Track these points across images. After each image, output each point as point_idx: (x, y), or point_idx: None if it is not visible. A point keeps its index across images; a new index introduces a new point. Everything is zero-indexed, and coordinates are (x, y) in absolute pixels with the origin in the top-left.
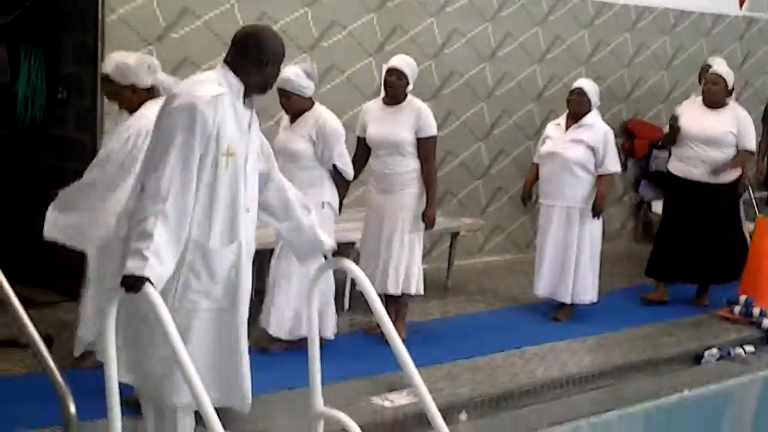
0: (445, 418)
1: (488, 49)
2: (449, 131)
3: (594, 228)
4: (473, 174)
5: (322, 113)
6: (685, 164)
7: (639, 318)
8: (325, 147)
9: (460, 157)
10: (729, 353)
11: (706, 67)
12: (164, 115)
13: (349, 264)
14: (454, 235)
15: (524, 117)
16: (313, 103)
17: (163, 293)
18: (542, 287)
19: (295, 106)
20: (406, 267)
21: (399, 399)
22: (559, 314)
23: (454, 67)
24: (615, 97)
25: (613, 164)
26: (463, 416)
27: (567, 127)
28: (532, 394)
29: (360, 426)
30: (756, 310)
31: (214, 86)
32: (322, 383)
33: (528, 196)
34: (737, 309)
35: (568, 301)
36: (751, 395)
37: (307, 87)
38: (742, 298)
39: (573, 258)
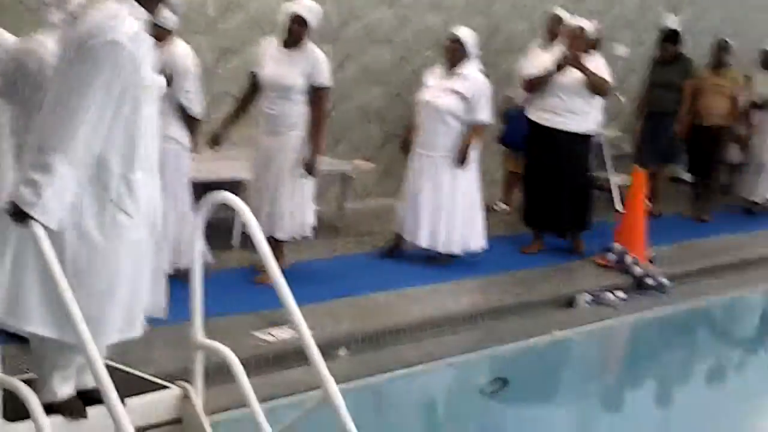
0: (325, 354)
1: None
2: (346, 74)
3: (468, 177)
4: (368, 117)
5: (175, 48)
6: (547, 113)
7: (518, 263)
8: (173, 82)
9: (356, 100)
10: (600, 298)
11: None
12: (87, 50)
13: (233, 199)
14: (346, 177)
15: (423, 64)
16: (171, 37)
17: (87, 234)
18: (423, 238)
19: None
20: (292, 213)
21: (280, 334)
22: (438, 259)
23: (353, 8)
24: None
25: (483, 114)
26: (343, 352)
27: (443, 76)
28: (410, 333)
29: (241, 360)
30: (629, 258)
31: (131, 21)
32: (206, 317)
33: (405, 144)
34: (611, 256)
35: (443, 250)
36: (619, 339)
37: (167, 19)
38: (616, 246)
39: (448, 208)
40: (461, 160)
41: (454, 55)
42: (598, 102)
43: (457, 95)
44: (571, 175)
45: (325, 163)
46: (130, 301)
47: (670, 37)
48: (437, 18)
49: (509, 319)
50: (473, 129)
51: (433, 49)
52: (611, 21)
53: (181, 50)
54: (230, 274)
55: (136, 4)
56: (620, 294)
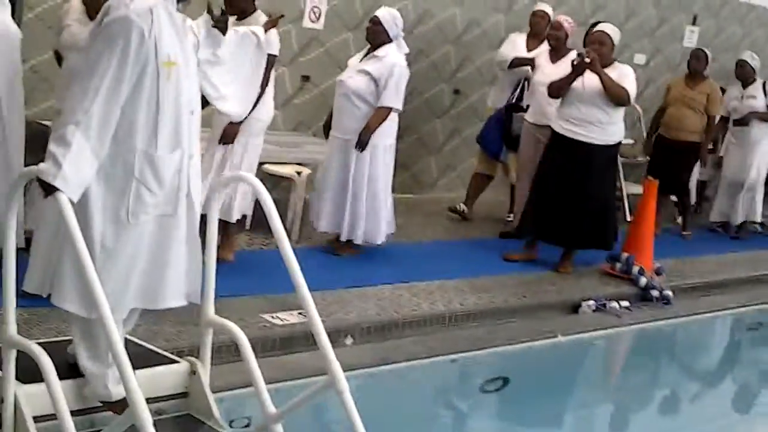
0: (331, 340)
1: None
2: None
3: (375, 163)
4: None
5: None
6: (570, 123)
7: (525, 266)
8: None
9: (321, 87)
10: (605, 306)
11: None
12: (101, 28)
13: (251, 178)
14: None
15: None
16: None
17: (115, 208)
18: (323, 222)
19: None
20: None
21: (288, 318)
22: (339, 248)
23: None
24: None
25: (391, 99)
26: (349, 340)
27: (362, 58)
28: (416, 326)
29: (249, 340)
30: (635, 269)
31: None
32: (218, 297)
33: (327, 126)
34: (618, 265)
35: (344, 237)
36: (621, 347)
37: None
38: (624, 255)
39: (355, 193)
40: (362, 143)
41: (375, 37)
42: (620, 112)
43: (367, 76)
44: (591, 190)
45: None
46: (152, 274)
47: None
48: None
49: (514, 321)
50: (376, 112)
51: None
52: (630, 30)
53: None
54: (242, 255)
55: None
56: (624, 303)
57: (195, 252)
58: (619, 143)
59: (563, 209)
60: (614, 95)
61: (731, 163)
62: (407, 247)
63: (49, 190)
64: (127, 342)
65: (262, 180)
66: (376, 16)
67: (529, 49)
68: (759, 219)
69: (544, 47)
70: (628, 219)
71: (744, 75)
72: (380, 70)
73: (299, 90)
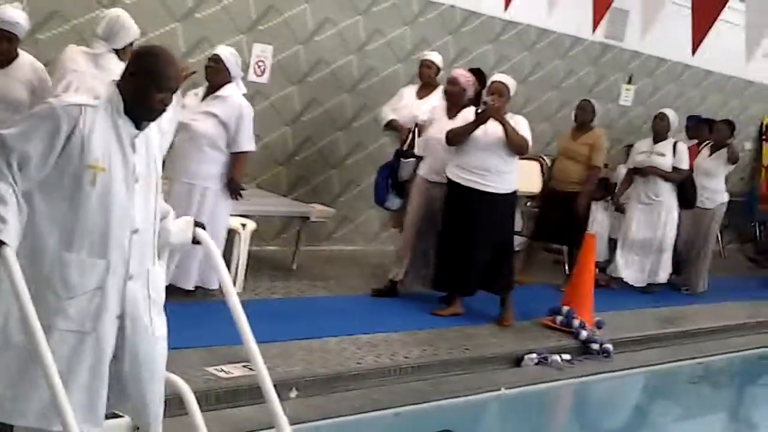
0: (276, 394)
1: (357, 42)
2: (311, 118)
3: (220, 211)
4: (329, 163)
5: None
6: (468, 172)
7: (468, 318)
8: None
9: (319, 145)
10: (547, 359)
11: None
12: (31, 113)
13: (201, 232)
14: (304, 220)
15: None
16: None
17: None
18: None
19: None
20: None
21: (233, 371)
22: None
23: (322, 55)
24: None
25: (246, 143)
26: (293, 393)
27: (204, 97)
28: (360, 379)
29: (194, 393)
30: (576, 322)
31: (84, 97)
32: None
33: None
34: (559, 318)
35: (188, 287)
36: (563, 400)
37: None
38: (565, 309)
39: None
40: (234, 190)
41: (215, 75)
42: (516, 161)
43: (214, 119)
44: (492, 236)
45: (285, 204)
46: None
47: None
48: (402, 68)
49: (457, 373)
50: (238, 159)
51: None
52: (568, 88)
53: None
54: (183, 308)
55: (114, 88)
56: (566, 356)
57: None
58: (515, 192)
59: (467, 258)
60: (516, 144)
61: (637, 221)
62: (340, 301)
63: None
64: None
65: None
66: (216, 54)
67: (420, 98)
68: (663, 280)
69: (436, 99)
70: (567, 273)
71: (660, 129)
72: (228, 113)
73: None
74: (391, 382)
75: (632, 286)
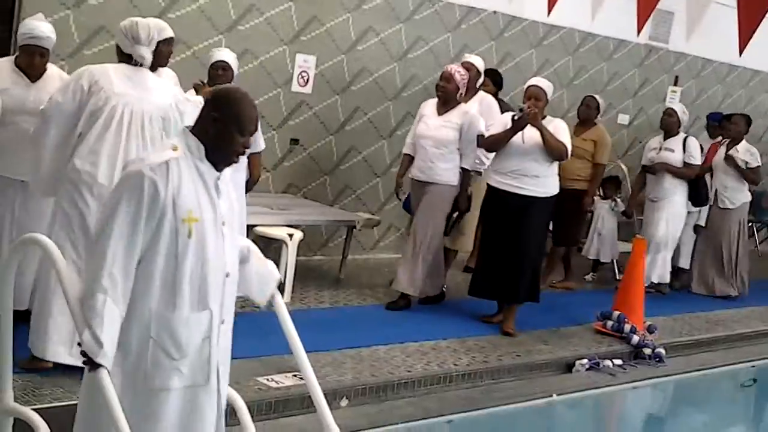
0: (327, 403)
1: (399, 50)
2: (355, 126)
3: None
4: (374, 171)
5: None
6: (507, 177)
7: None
8: None
9: (363, 154)
10: (598, 364)
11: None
12: (117, 182)
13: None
14: (350, 229)
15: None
16: None
17: (131, 375)
18: None
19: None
20: None
21: (284, 380)
22: None
23: (365, 64)
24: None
25: (261, 142)
26: (344, 402)
27: None
28: (410, 387)
29: (245, 403)
30: (627, 326)
31: (166, 152)
32: None
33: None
34: (609, 324)
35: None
36: (615, 405)
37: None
38: (615, 313)
39: None
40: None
41: (225, 82)
42: (555, 166)
43: None
44: (525, 243)
45: (330, 213)
46: None
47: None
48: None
49: (508, 380)
50: (254, 159)
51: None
52: (614, 91)
53: None
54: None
55: (190, 135)
56: (617, 361)
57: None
58: (555, 196)
59: (504, 265)
60: (554, 150)
61: (646, 218)
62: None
63: (92, 365)
64: None
65: (254, 241)
66: (225, 62)
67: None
68: (667, 280)
69: (475, 105)
70: (618, 278)
71: (669, 125)
72: None
73: (288, 153)
74: (442, 390)
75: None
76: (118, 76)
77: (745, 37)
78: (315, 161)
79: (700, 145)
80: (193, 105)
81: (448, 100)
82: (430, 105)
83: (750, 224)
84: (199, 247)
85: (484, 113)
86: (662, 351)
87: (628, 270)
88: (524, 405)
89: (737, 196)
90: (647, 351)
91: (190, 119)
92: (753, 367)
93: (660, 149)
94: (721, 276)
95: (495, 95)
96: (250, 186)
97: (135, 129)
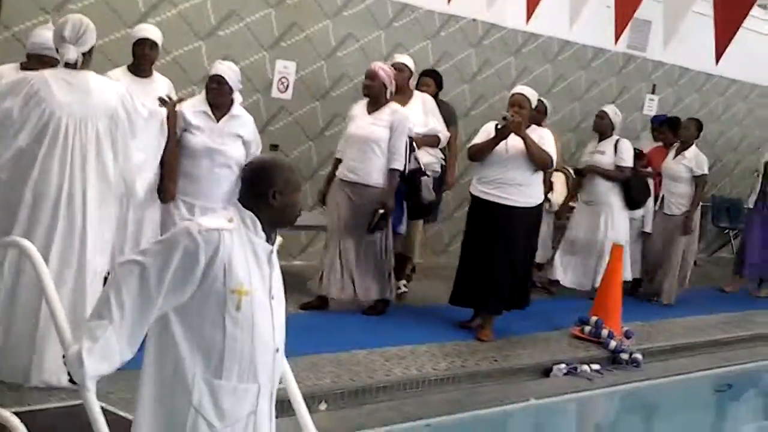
0: (306, 407)
1: (379, 57)
2: (335, 132)
3: None
4: None
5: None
6: (490, 186)
7: (496, 330)
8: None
9: (290, 156)
10: (576, 369)
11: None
12: (169, 234)
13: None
14: None
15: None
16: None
17: None
18: None
19: None
20: None
21: None
22: None
23: (345, 70)
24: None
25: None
26: (323, 406)
27: (218, 119)
28: (389, 391)
29: None
30: (604, 332)
31: (221, 220)
32: None
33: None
34: (587, 329)
35: None
36: (592, 410)
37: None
38: (593, 319)
39: None
40: None
41: (221, 96)
42: (540, 175)
43: (240, 140)
44: (508, 252)
45: (310, 218)
46: None
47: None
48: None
49: (486, 385)
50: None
51: None
52: (592, 99)
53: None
54: None
55: (243, 209)
56: (595, 366)
57: None
58: (539, 206)
59: (486, 274)
60: (538, 159)
61: (577, 222)
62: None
63: (76, 378)
64: (105, 412)
65: None
66: (220, 76)
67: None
68: (587, 287)
69: (417, 105)
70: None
71: (600, 127)
72: (248, 131)
73: None
74: (420, 394)
75: (574, 290)
76: (57, 83)
77: (721, 47)
78: (294, 167)
79: (636, 149)
80: (143, 113)
81: (376, 99)
82: (360, 105)
83: (726, 231)
84: (247, 321)
85: (429, 113)
86: (639, 356)
87: (606, 275)
88: (502, 409)
89: (684, 202)
90: (624, 356)
91: (141, 126)
92: (729, 373)
93: (593, 153)
94: (665, 281)
95: (435, 96)
96: None
97: (80, 137)
